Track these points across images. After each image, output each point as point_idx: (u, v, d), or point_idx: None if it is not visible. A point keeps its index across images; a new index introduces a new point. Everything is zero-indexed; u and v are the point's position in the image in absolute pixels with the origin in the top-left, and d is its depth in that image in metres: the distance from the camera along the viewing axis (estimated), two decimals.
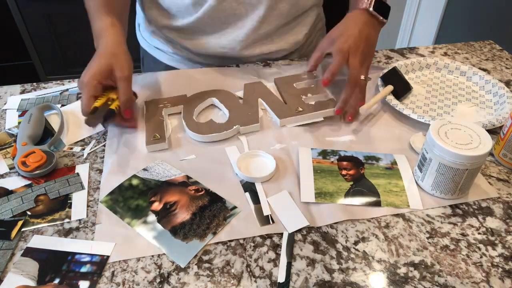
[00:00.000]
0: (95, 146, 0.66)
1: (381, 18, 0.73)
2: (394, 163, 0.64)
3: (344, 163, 0.64)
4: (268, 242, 0.53)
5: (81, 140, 0.68)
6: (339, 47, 0.69)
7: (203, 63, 0.89)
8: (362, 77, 0.70)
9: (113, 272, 0.49)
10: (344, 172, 0.62)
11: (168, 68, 0.92)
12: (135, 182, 0.60)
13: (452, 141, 0.54)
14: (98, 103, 0.65)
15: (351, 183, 0.60)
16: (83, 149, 0.66)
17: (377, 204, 0.57)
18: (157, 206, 0.57)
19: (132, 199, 0.58)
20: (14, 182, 0.61)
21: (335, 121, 0.72)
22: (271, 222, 0.55)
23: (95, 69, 0.65)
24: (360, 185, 0.60)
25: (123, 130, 0.69)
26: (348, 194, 0.59)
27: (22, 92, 0.80)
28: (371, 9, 0.72)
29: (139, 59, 1.01)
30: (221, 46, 0.84)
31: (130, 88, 0.67)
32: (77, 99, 0.77)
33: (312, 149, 0.65)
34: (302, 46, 0.92)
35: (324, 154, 0.65)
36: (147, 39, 0.93)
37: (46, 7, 1.89)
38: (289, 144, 0.67)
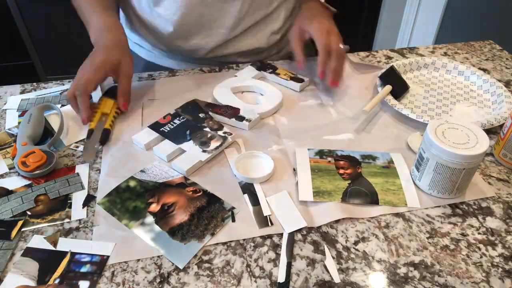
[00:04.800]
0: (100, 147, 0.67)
1: (332, 8, 0.80)
2: (391, 161, 0.64)
3: (341, 162, 0.64)
4: (268, 242, 0.53)
5: (81, 140, 0.68)
6: (317, 29, 0.73)
7: (182, 59, 0.90)
8: (342, 46, 0.73)
9: (113, 272, 0.49)
10: (341, 171, 0.62)
11: (148, 63, 0.93)
12: (132, 183, 0.60)
13: (449, 140, 0.54)
14: (93, 124, 0.68)
15: (349, 181, 0.60)
16: None
17: (375, 202, 0.58)
18: (155, 207, 0.57)
19: (130, 200, 0.58)
20: (14, 182, 0.61)
21: (333, 121, 0.72)
22: (269, 225, 0.55)
23: (104, 58, 0.67)
24: (357, 183, 0.60)
25: (120, 131, 0.70)
26: (346, 192, 0.59)
27: (22, 92, 0.80)
28: (322, 0, 0.80)
29: None
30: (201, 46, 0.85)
31: (130, 85, 0.71)
32: None
33: (309, 149, 0.66)
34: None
35: (321, 154, 0.65)
36: (126, 34, 0.93)
37: (46, 7, 1.90)
38: (286, 145, 0.67)
